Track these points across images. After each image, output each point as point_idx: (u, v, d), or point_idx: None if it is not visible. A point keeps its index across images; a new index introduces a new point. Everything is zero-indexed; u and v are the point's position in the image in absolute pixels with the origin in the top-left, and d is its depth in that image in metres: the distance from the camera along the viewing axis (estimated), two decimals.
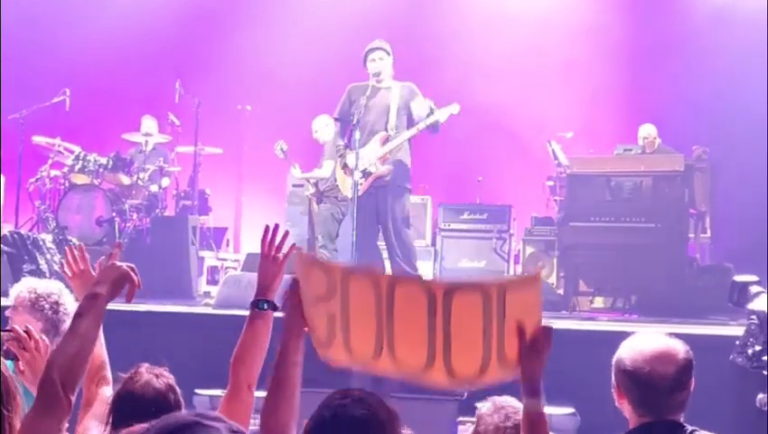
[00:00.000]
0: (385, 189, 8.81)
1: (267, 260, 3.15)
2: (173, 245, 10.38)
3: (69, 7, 13.08)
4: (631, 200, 9.21)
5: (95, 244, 10.15)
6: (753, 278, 5.73)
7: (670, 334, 3.21)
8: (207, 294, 10.12)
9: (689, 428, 3.09)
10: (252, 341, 3.10)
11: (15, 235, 9.17)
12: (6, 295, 4.51)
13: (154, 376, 3.23)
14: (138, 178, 10.91)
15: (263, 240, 3.17)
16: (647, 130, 10.71)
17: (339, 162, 9.12)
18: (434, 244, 11.01)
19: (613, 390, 3.17)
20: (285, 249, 3.17)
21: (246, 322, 3.11)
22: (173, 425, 1.59)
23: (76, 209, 10.54)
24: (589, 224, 9.24)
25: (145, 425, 2.71)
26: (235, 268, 10.71)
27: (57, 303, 4.27)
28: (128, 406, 3.16)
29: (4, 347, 3.24)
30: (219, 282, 9.86)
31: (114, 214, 10.50)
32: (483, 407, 3.60)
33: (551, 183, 10.87)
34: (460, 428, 6.25)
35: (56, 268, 8.72)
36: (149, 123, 11.48)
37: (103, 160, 10.79)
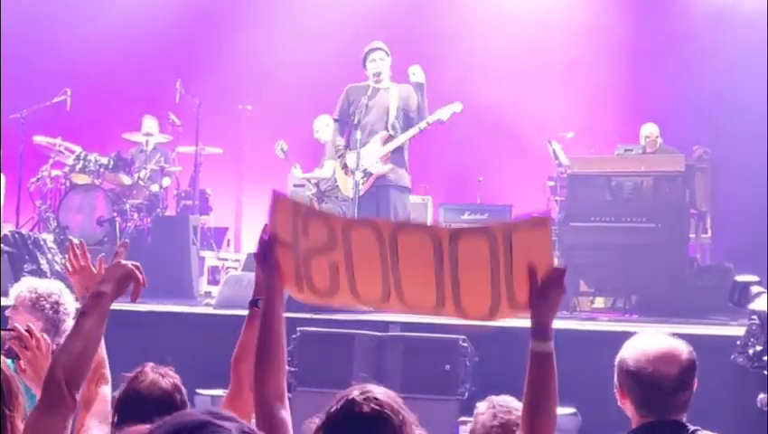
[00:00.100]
0: (386, 189, 8.82)
1: None
2: (173, 245, 10.38)
3: (69, 7, 13.08)
4: (631, 200, 9.20)
5: (96, 244, 10.15)
6: (754, 278, 5.73)
7: (671, 334, 3.21)
8: (208, 294, 10.12)
9: (692, 427, 3.08)
10: (252, 340, 3.09)
11: (16, 235, 9.18)
12: (6, 295, 4.51)
13: (160, 376, 3.23)
14: (139, 178, 10.92)
15: (260, 240, 3.17)
16: (649, 129, 10.71)
17: (339, 162, 9.13)
18: None
19: (615, 390, 3.17)
20: None
21: (245, 322, 3.11)
22: (183, 424, 1.58)
23: (77, 209, 10.54)
24: (590, 224, 9.23)
25: (147, 426, 2.72)
26: (236, 268, 10.71)
27: (58, 302, 4.28)
28: (134, 405, 3.17)
29: (6, 346, 3.24)
30: (219, 282, 9.86)
31: (115, 214, 10.51)
32: (480, 406, 3.61)
33: (552, 183, 10.86)
34: (461, 427, 6.26)
35: (57, 267, 8.73)
36: (150, 123, 11.49)
37: (104, 160, 10.80)
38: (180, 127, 11.63)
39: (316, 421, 2.68)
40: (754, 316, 5.55)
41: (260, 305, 2.90)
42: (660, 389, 3.06)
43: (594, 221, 9.23)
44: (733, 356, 5.71)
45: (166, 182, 11.31)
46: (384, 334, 6.97)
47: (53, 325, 4.24)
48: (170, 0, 13.12)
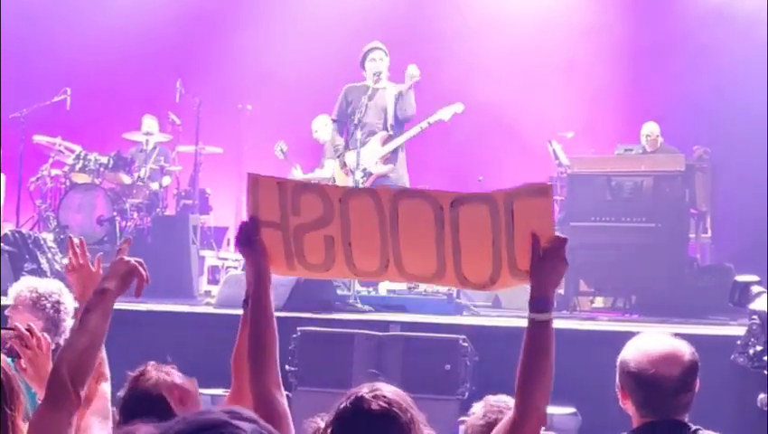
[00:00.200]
0: None
1: None
2: (173, 244, 10.38)
3: (69, 7, 13.08)
4: (631, 200, 9.20)
5: (96, 243, 10.16)
6: (755, 278, 5.72)
7: (673, 334, 3.21)
8: (208, 293, 10.12)
9: (693, 427, 3.08)
10: None
11: (16, 234, 9.18)
12: (6, 294, 4.52)
13: (164, 374, 3.23)
14: (139, 177, 10.92)
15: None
16: (650, 128, 10.70)
17: (338, 162, 9.14)
18: None
19: (617, 390, 3.16)
20: None
21: (240, 321, 3.10)
22: (199, 422, 1.57)
23: (77, 208, 10.55)
24: (590, 224, 9.24)
25: (148, 427, 2.72)
26: (236, 268, 10.70)
27: (58, 302, 4.29)
28: (139, 404, 3.17)
29: (7, 345, 3.24)
30: (219, 281, 9.86)
31: (115, 213, 10.51)
32: (475, 407, 3.61)
33: (552, 182, 10.86)
34: (461, 427, 6.25)
35: (57, 267, 8.73)
36: (150, 122, 11.49)
37: (104, 159, 10.80)
38: (180, 126, 11.63)
39: (317, 421, 2.68)
40: (755, 316, 5.55)
41: (248, 293, 2.85)
42: (661, 390, 3.05)
43: (594, 220, 9.23)
44: (733, 356, 5.71)
45: (167, 180, 11.32)
46: (384, 333, 6.97)
47: (54, 325, 4.25)
48: (170, 0, 13.11)
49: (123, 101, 12.53)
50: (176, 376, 3.27)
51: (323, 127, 10.28)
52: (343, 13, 12.62)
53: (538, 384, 2.56)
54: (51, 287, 4.40)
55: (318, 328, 7.07)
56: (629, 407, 3.12)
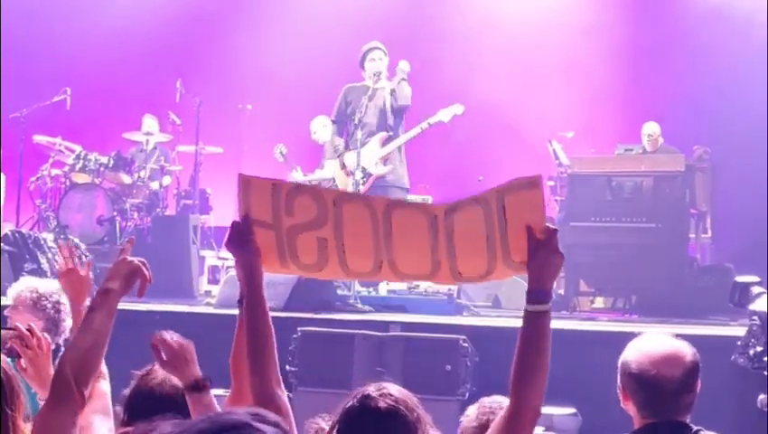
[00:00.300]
0: (385, 189, 8.83)
1: None
2: (174, 244, 10.38)
3: (69, 6, 13.08)
4: (631, 200, 9.20)
5: (96, 243, 10.18)
6: (755, 278, 5.71)
7: (673, 334, 3.20)
8: (208, 293, 10.12)
9: (694, 428, 3.08)
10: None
11: (16, 234, 9.17)
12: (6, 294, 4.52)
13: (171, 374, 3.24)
14: (139, 177, 10.92)
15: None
16: (651, 128, 10.70)
17: (338, 162, 9.14)
18: None
19: (618, 391, 3.16)
20: None
21: (237, 321, 3.10)
22: (222, 422, 1.56)
23: (77, 208, 10.55)
24: (590, 224, 9.23)
25: (150, 427, 2.72)
26: None
27: (59, 302, 4.29)
28: (145, 403, 3.18)
29: (8, 345, 3.25)
30: (219, 281, 9.86)
31: (115, 213, 10.51)
32: (469, 409, 3.62)
33: (552, 182, 10.85)
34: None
35: (57, 267, 8.72)
36: (150, 122, 11.49)
37: (104, 159, 10.80)
38: (180, 126, 11.63)
39: (318, 421, 2.68)
40: (755, 317, 5.54)
41: (242, 292, 2.86)
42: (663, 391, 3.05)
43: (595, 221, 9.23)
44: (733, 357, 5.71)
45: (167, 180, 11.32)
46: (384, 334, 6.97)
47: (54, 325, 4.25)
48: (170, 0, 13.11)
49: (123, 101, 12.54)
50: None
51: (321, 128, 10.28)
52: (343, 13, 12.63)
53: (534, 377, 2.55)
54: (51, 287, 4.40)
55: (318, 328, 7.06)
56: (630, 408, 3.12)
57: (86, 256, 9.49)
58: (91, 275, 3.63)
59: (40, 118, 11.16)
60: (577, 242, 9.25)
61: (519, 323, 2.64)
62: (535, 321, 2.57)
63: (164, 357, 3.03)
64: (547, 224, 2.61)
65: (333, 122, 9.41)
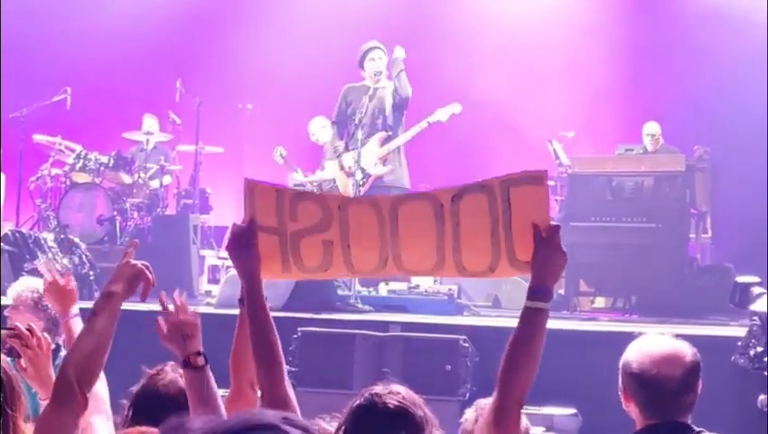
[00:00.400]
0: (385, 190, 8.82)
1: None
2: (174, 244, 10.38)
3: (69, 6, 13.08)
4: (632, 200, 9.20)
5: (96, 243, 10.18)
6: (755, 279, 5.72)
7: (674, 335, 3.21)
8: (208, 293, 10.12)
9: (696, 428, 3.08)
10: (247, 339, 3.09)
11: (17, 234, 9.17)
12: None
13: (179, 375, 3.24)
14: (139, 177, 10.92)
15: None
16: (652, 128, 10.70)
17: (337, 163, 9.15)
18: None
19: (619, 392, 3.16)
20: None
21: (237, 321, 3.10)
22: (250, 422, 1.55)
23: (77, 207, 10.55)
24: (590, 224, 9.23)
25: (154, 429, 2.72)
26: None
27: None
28: (150, 402, 3.19)
29: (8, 345, 3.25)
30: (220, 281, 9.86)
31: (115, 213, 10.51)
32: (467, 412, 3.63)
33: (552, 182, 10.84)
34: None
35: (57, 267, 8.71)
36: (150, 122, 11.50)
37: (104, 159, 10.80)
38: (180, 125, 11.63)
39: (319, 422, 2.68)
40: (755, 318, 5.54)
41: (243, 293, 2.87)
42: (663, 391, 3.05)
43: (595, 220, 9.23)
44: (733, 357, 5.71)
45: (167, 179, 11.32)
46: (384, 334, 6.97)
47: (55, 325, 4.25)
48: (170, 0, 13.11)
49: (123, 101, 12.54)
50: None
51: (320, 129, 10.28)
52: (343, 13, 12.62)
53: (522, 372, 2.55)
54: None
55: (318, 328, 7.06)
56: (632, 410, 3.13)
57: (86, 256, 9.51)
58: (72, 283, 3.64)
59: (40, 118, 11.16)
60: (578, 242, 9.23)
61: None
62: (532, 318, 2.57)
63: (164, 331, 3.04)
64: (552, 223, 2.61)
65: (334, 123, 9.41)
